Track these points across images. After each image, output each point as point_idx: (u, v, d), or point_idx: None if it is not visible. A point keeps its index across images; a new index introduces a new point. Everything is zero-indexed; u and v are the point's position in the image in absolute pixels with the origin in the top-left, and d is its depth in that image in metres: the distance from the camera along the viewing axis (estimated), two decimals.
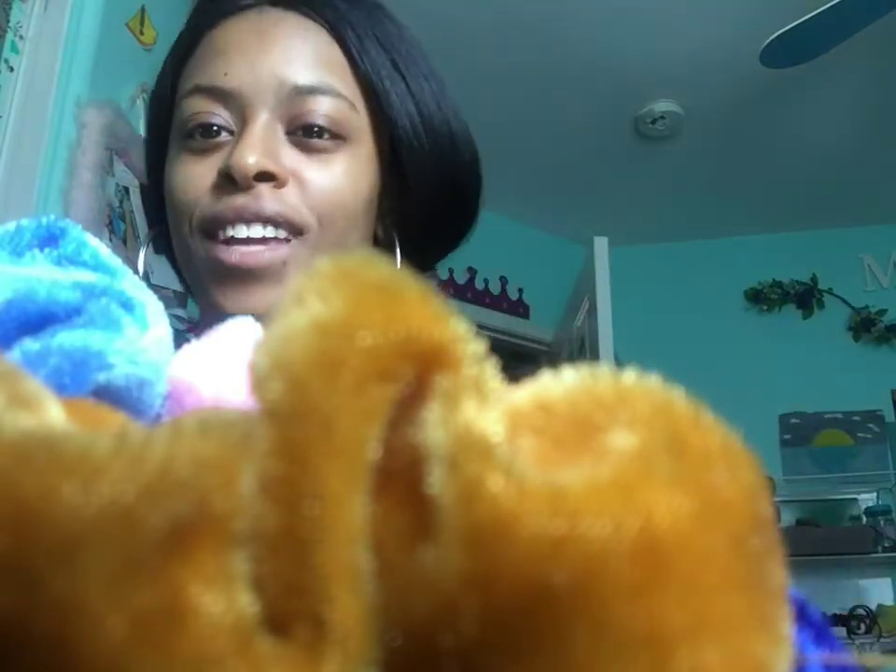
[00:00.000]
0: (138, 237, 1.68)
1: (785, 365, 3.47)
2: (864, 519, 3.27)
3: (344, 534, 0.16)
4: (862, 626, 2.93)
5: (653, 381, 0.19)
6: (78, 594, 0.15)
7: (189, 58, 0.61)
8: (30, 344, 0.26)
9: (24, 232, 0.30)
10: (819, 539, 3.04)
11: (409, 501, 0.17)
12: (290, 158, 0.56)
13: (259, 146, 0.55)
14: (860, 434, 3.41)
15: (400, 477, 0.17)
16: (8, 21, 1.53)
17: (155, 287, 0.40)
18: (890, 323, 3.52)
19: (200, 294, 0.60)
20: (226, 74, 0.57)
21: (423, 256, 0.65)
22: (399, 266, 0.19)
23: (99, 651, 0.15)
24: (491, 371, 0.19)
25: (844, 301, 3.61)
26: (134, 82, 1.74)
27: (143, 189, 0.68)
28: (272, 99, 0.56)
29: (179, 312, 1.49)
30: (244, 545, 0.16)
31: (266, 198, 0.55)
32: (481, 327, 0.19)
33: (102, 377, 0.27)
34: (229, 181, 0.55)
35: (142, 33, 1.80)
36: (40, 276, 0.28)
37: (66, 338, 0.27)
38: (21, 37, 1.56)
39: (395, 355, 0.17)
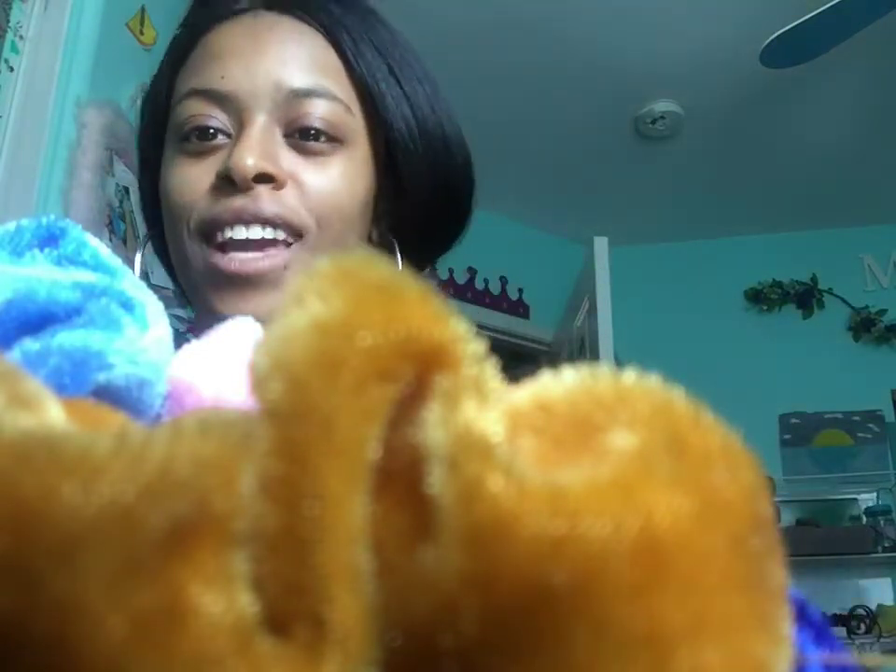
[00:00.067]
0: (138, 237, 1.68)
1: (785, 365, 3.47)
2: (864, 519, 3.27)
3: (344, 534, 0.16)
4: (862, 626, 2.93)
5: (653, 381, 0.19)
6: (78, 594, 0.15)
7: (184, 62, 0.61)
8: (30, 344, 0.26)
9: (24, 232, 0.30)
10: (819, 539, 3.04)
11: (409, 501, 0.17)
12: (288, 160, 0.57)
13: (258, 148, 0.55)
14: (860, 434, 3.41)
15: (400, 477, 0.17)
16: (8, 21, 1.53)
17: (155, 287, 0.40)
18: (890, 323, 3.52)
19: (196, 298, 0.60)
20: (222, 77, 0.57)
21: (416, 257, 0.65)
22: (398, 267, 0.19)
23: (99, 651, 0.15)
24: (491, 371, 0.19)
25: (844, 301, 3.61)
26: (134, 82, 1.74)
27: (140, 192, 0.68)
28: (268, 102, 0.57)
29: (179, 312, 1.49)
30: (244, 545, 0.16)
31: (265, 199, 0.55)
32: (481, 327, 0.19)
33: (102, 377, 0.27)
34: (227, 183, 0.55)
35: (142, 33, 1.80)
36: (40, 276, 0.28)
37: (66, 338, 0.27)
38: (21, 37, 1.56)
39: (395, 355, 0.17)
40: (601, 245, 2.76)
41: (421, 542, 0.17)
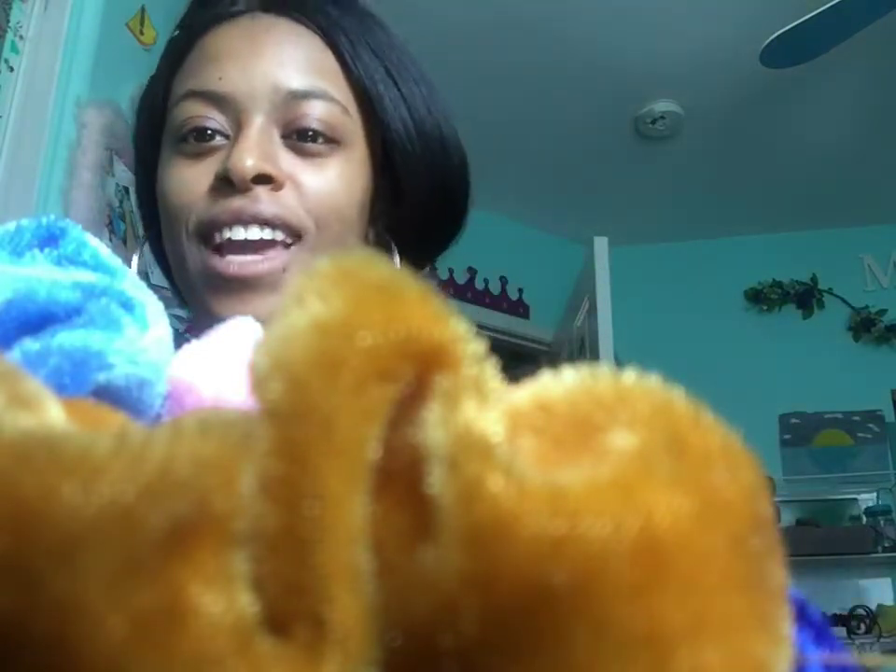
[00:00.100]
0: (138, 237, 1.68)
1: (785, 365, 3.47)
2: (864, 519, 3.27)
3: (344, 534, 0.16)
4: (862, 626, 2.93)
5: (653, 381, 0.19)
6: (78, 594, 0.15)
7: (181, 63, 0.61)
8: (30, 344, 0.26)
9: (24, 232, 0.30)
10: (819, 539, 3.04)
11: (409, 501, 0.17)
12: (286, 161, 0.57)
13: (256, 149, 0.55)
14: (860, 434, 3.41)
15: (400, 477, 0.17)
16: (8, 21, 1.53)
17: (155, 287, 0.39)
18: (890, 323, 3.52)
19: (193, 300, 0.60)
20: (220, 78, 0.57)
21: (413, 258, 0.65)
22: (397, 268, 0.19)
23: (99, 651, 0.15)
24: (491, 371, 0.19)
25: (844, 301, 3.61)
26: (134, 82, 1.73)
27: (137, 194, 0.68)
28: (266, 104, 0.57)
29: (179, 312, 1.49)
30: (244, 545, 0.16)
31: (264, 200, 0.55)
32: (481, 327, 0.19)
33: (102, 377, 0.27)
34: (226, 184, 0.55)
35: (142, 33, 1.80)
36: (40, 276, 0.28)
37: (66, 338, 0.27)
38: (21, 37, 1.56)
39: (395, 355, 0.17)
40: (601, 245, 2.76)
41: (421, 542, 0.17)
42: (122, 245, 1.65)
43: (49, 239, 0.31)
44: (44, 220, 0.31)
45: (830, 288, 3.63)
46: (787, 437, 3.44)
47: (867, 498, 3.33)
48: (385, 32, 0.63)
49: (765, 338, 3.58)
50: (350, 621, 0.16)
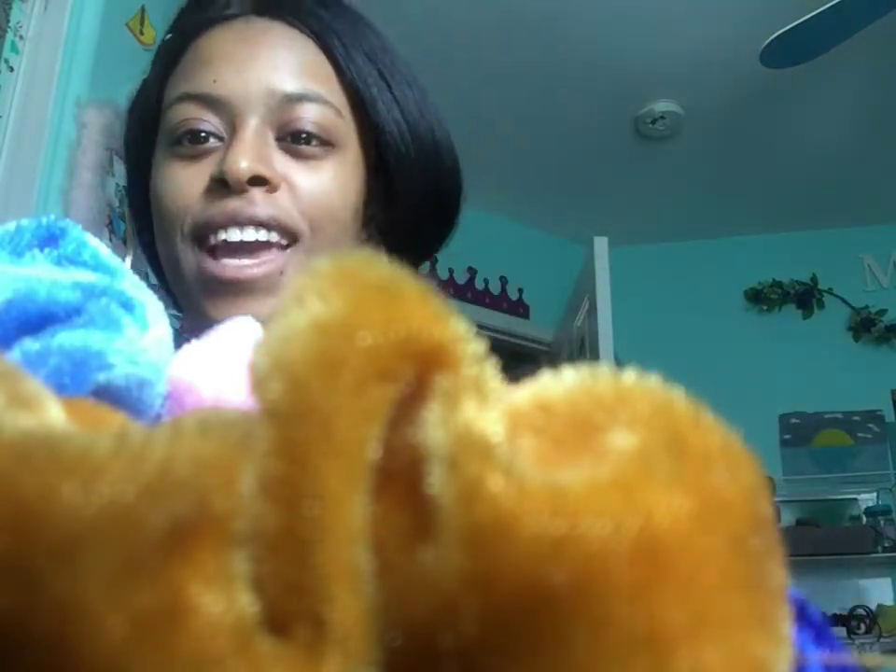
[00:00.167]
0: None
1: (785, 365, 3.47)
2: (864, 519, 3.27)
3: (344, 534, 0.16)
4: (862, 626, 2.93)
5: (653, 381, 0.19)
6: (78, 594, 0.15)
7: (174, 66, 0.61)
8: (30, 344, 0.26)
9: (24, 232, 0.30)
10: (819, 539, 3.04)
11: (409, 501, 0.17)
12: (281, 163, 0.57)
13: (252, 151, 0.55)
14: (860, 434, 3.41)
15: (400, 477, 0.17)
16: (8, 21, 1.53)
17: (155, 287, 0.40)
18: (890, 323, 3.52)
19: (187, 303, 0.59)
20: (215, 81, 0.57)
21: (403, 260, 0.65)
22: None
23: (99, 651, 0.15)
24: (491, 371, 0.19)
25: (844, 301, 3.61)
26: (134, 82, 1.73)
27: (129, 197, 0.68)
28: (261, 107, 0.57)
29: (178, 312, 1.49)
30: (244, 545, 0.16)
31: (259, 202, 0.55)
32: (481, 327, 0.19)
33: (102, 377, 0.27)
34: (221, 185, 0.55)
35: (142, 33, 1.80)
36: (40, 276, 0.28)
37: (66, 338, 0.27)
38: (21, 37, 1.56)
39: (395, 355, 0.17)
40: (601, 245, 2.76)
41: (421, 542, 0.17)
42: (122, 244, 1.65)
43: (49, 239, 0.31)
44: (44, 220, 0.31)
45: (830, 288, 3.63)
46: (787, 437, 3.44)
47: (867, 498, 3.33)
48: (377, 35, 0.63)
49: (765, 338, 3.58)
50: (350, 621, 0.16)
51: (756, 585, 0.17)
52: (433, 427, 0.17)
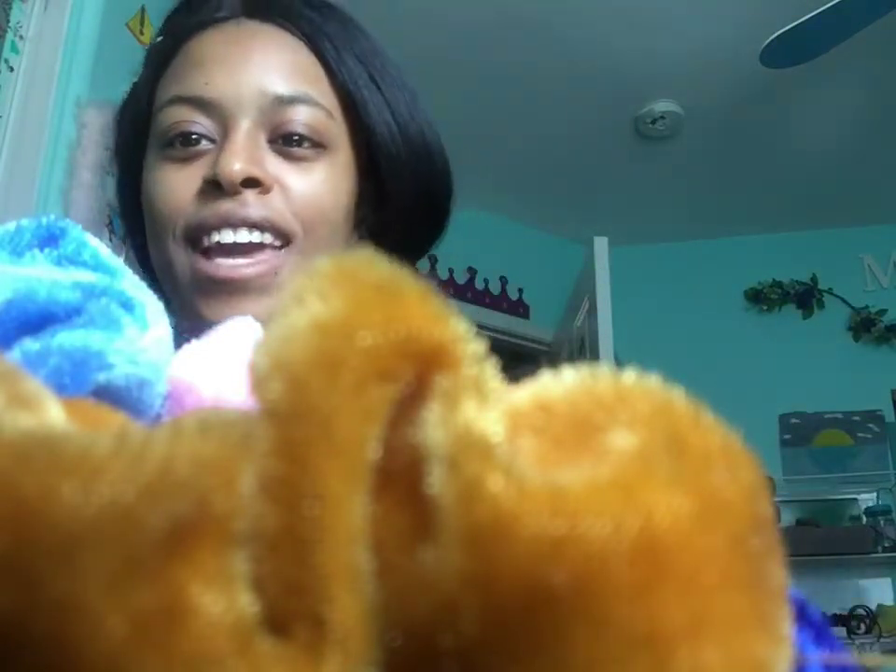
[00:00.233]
0: None
1: (785, 365, 3.47)
2: (864, 519, 3.27)
3: (344, 534, 0.16)
4: (862, 626, 2.93)
5: (653, 381, 0.19)
6: (78, 594, 0.15)
7: (165, 69, 0.61)
8: (30, 344, 0.26)
9: (24, 232, 0.30)
10: (819, 539, 3.04)
11: (409, 501, 0.17)
12: (273, 165, 0.57)
13: (244, 153, 0.56)
14: (860, 434, 3.41)
15: (400, 477, 0.17)
16: (8, 21, 1.53)
17: (155, 288, 0.39)
18: (890, 323, 3.52)
19: (180, 304, 0.59)
20: (206, 84, 0.58)
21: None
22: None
23: (99, 651, 0.15)
24: (491, 371, 0.19)
25: (844, 301, 3.61)
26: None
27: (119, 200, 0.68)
28: (253, 109, 0.57)
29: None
30: (244, 545, 0.16)
31: (252, 204, 0.56)
32: (481, 327, 0.19)
33: (102, 377, 0.27)
34: (214, 187, 0.55)
35: (142, 33, 1.80)
36: (40, 276, 0.28)
37: (66, 338, 0.27)
38: (21, 37, 1.56)
39: (395, 355, 0.17)
40: (601, 245, 2.76)
41: (421, 542, 0.17)
42: (122, 244, 1.65)
43: (49, 239, 0.31)
44: (44, 220, 0.31)
45: (830, 288, 3.63)
46: (787, 437, 3.44)
47: (867, 498, 3.33)
48: (368, 38, 0.64)
49: (765, 338, 3.58)
50: (350, 621, 0.16)
51: (756, 585, 0.17)
52: (433, 427, 0.17)
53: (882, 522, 3.17)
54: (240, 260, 0.55)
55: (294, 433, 0.16)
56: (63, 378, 0.26)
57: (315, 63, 0.60)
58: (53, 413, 0.20)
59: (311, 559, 0.16)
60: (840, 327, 3.59)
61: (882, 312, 3.54)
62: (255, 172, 0.55)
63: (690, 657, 0.16)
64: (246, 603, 0.16)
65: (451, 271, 3.30)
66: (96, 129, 1.57)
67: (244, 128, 0.57)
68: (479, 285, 3.45)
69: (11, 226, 0.30)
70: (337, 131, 0.60)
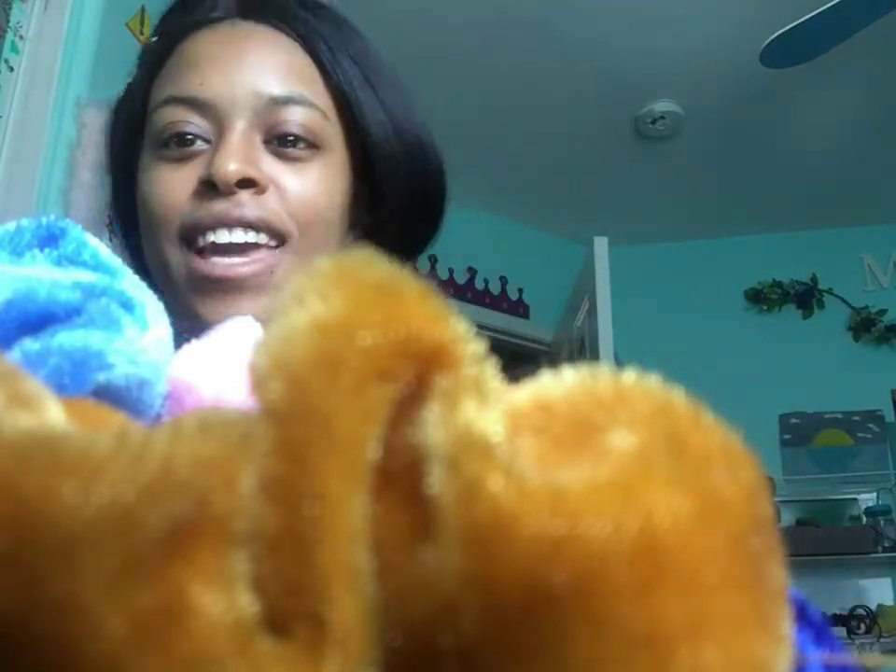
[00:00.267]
0: None
1: (785, 365, 3.47)
2: (864, 519, 3.27)
3: (344, 534, 0.16)
4: (862, 626, 2.93)
5: (653, 381, 0.19)
6: (78, 594, 0.15)
7: (159, 69, 0.61)
8: (30, 344, 0.26)
9: (24, 232, 0.30)
10: (819, 539, 3.04)
11: (409, 501, 0.17)
12: (268, 165, 0.58)
13: (239, 153, 0.56)
14: (860, 434, 3.41)
15: (400, 477, 0.17)
16: (8, 21, 1.53)
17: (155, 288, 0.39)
18: (890, 323, 3.52)
19: (176, 304, 0.59)
20: (201, 84, 0.58)
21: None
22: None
23: (99, 651, 0.15)
24: (491, 371, 0.19)
25: (844, 301, 3.61)
26: None
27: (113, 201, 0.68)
28: (248, 110, 0.57)
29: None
30: (244, 545, 0.16)
31: (247, 204, 0.56)
32: (481, 327, 0.19)
33: (102, 377, 0.27)
34: (209, 188, 0.56)
35: (142, 33, 1.80)
36: (40, 276, 0.28)
37: (66, 338, 0.27)
38: (21, 37, 1.55)
39: (395, 355, 0.17)
40: (601, 245, 2.76)
41: (421, 542, 0.17)
42: (122, 245, 1.65)
43: (49, 239, 0.31)
44: (44, 220, 0.31)
45: (830, 288, 3.63)
46: (787, 437, 3.44)
47: (867, 498, 3.33)
48: (362, 39, 0.64)
49: (765, 338, 3.58)
50: (350, 621, 0.16)
51: (756, 585, 0.17)
52: (433, 427, 0.17)
53: (882, 522, 3.17)
54: (236, 259, 0.55)
55: (294, 433, 0.16)
56: (62, 378, 0.26)
57: (310, 63, 0.60)
58: (53, 413, 0.20)
59: (311, 559, 0.16)
60: (840, 327, 3.59)
61: (882, 312, 3.54)
62: (250, 172, 0.55)
63: (690, 657, 0.16)
64: (246, 603, 0.16)
65: (451, 271, 3.30)
66: (96, 129, 1.57)
67: (239, 128, 0.57)
68: (479, 285, 3.45)
69: (11, 226, 0.30)
70: (332, 131, 0.60)
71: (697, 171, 3.35)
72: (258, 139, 0.58)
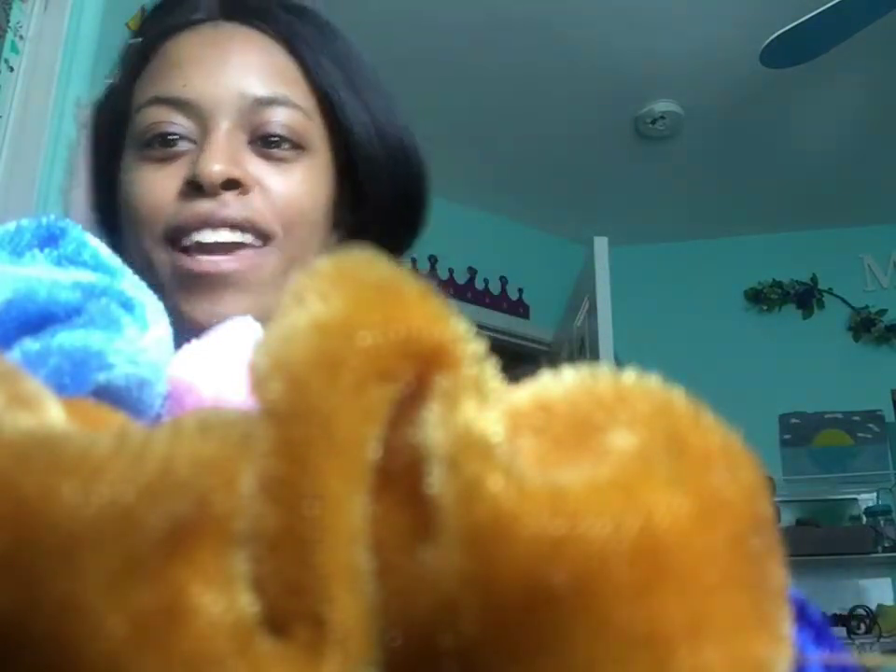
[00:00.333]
0: None
1: (785, 365, 3.47)
2: (864, 519, 3.27)
3: (344, 534, 0.16)
4: (862, 626, 2.93)
5: (653, 381, 0.19)
6: (78, 594, 0.15)
7: (141, 70, 0.61)
8: (30, 344, 0.26)
9: (24, 232, 0.30)
10: (819, 539, 3.04)
11: (409, 501, 0.17)
12: (253, 166, 0.58)
13: (224, 154, 0.56)
14: (860, 434, 3.41)
15: (400, 477, 0.17)
16: (8, 21, 1.53)
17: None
18: (890, 323, 3.52)
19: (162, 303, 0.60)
20: (184, 85, 0.58)
21: None
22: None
23: (99, 651, 0.15)
24: (491, 371, 0.19)
25: (844, 301, 3.61)
26: None
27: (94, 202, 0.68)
28: (232, 110, 0.58)
29: None
30: (244, 545, 0.16)
31: (232, 204, 0.56)
32: (481, 327, 0.19)
33: (102, 377, 0.27)
34: (194, 188, 0.56)
35: None
36: (40, 276, 0.28)
37: (66, 338, 0.27)
38: (21, 37, 1.55)
39: (395, 355, 0.17)
40: (601, 245, 2.76)
41: (421, 542, 0.17)
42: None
43: (49, 239, 0.31)
44: (44, 220, 0.31)
45: (830, 288, 3.63)
46: (787, 437, 3.44)
47: (867, 498, 3.33)
48: (344, 41, 0.64)
49: (765, 338, 3.58)
50: (350, 621, 0.16)
51: (756, 585, 0.17)
52: (433, 427, 0.17)
53: (882, 522, 3.17)
54: (220, 257, 0.56)
55: (294, 433, 0.16)
56: (63, 378, 0.26)
57: (293, 65, 0.61)
58: (53, 413, 0.20)
59: (311, 559, 0.16)
60: (840, 327, 3.59)
61: (882, 312, 3.54)
62: (235, 173, 0.56)
63: (690, 657, 0.16)
64: (246, 603, 0.16)
65: (451, 271, 3.30)
66: None
67: (223, 129, 0.57)
68: (479, 285, 3.45)
69: (11, 226, 0.30)
70: (315, 132, 0.60)
71: (697, 171, 3.35)
72: (242, 140, 0.58)
